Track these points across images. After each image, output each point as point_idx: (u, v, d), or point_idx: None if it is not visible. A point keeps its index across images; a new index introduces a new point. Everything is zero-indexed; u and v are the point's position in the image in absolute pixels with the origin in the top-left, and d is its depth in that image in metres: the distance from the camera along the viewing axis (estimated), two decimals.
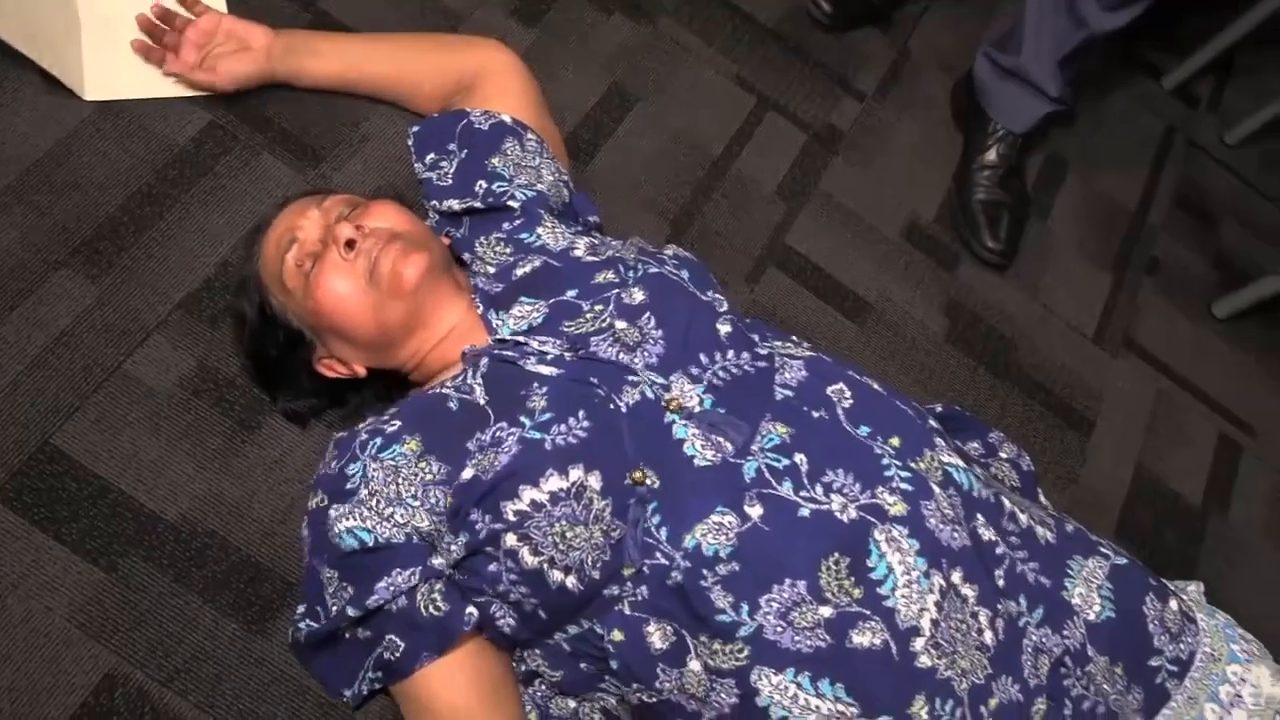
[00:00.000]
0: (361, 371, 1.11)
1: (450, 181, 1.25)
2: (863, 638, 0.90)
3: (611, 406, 0.96)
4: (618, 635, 0.95)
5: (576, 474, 0.92)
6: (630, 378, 0.98)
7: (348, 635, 1.00)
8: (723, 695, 0.92)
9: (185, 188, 1.24)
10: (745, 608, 0.90)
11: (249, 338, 1.12)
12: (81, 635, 1.01)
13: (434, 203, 1.25)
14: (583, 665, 1.01)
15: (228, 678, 1.04)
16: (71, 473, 1.07)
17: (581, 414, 0.95)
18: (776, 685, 0.89)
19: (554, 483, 0.92)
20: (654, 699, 0.95)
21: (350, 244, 1.04)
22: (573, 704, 1.08)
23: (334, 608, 0.99)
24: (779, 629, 0.89)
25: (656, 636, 0.94)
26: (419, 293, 1.05)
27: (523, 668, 1.07)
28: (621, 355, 1.00)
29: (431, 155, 1.27)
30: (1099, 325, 1.68)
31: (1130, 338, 1.70)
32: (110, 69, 1.26)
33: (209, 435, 1.13)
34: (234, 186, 1.26)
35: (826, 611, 0.90)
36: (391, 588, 0.97)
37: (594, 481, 0.92)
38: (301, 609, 1.03)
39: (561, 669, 1.03)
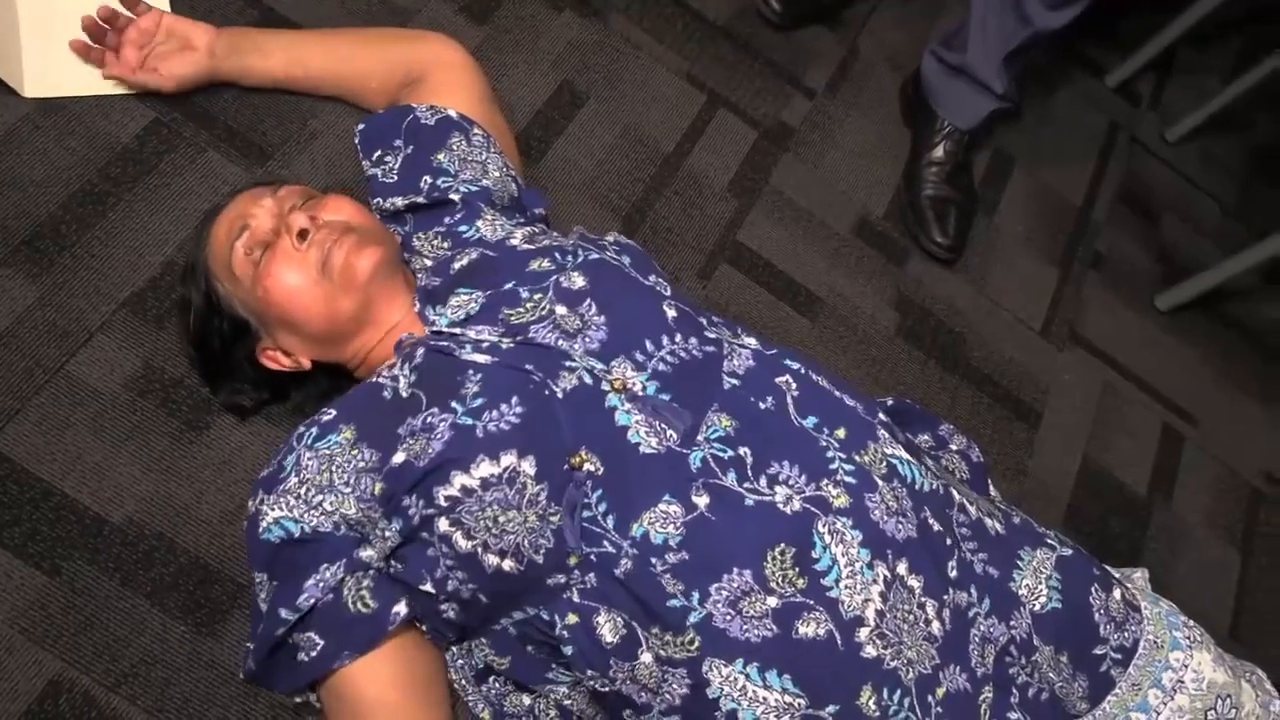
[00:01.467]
0: (306, 364, 1.10)
1: (395, 178, 1.24)
2: (808, 628, 0.91)
3: (546, 392, 0.95)
4: (572, 619, 0.95)
5: (509, 459, 0.92)
6: (567, 363, 0.98)
7: (287, 642, 0.98)
8: (674, 686, 0.92)
9: (129, 186, 1.23)
10: (696, 595, 0.90)
11: (194, 324, 1.09)
12: (25, 641, 0.99)
13: (378, 200, 1.24)
14: (530, 649, 1.01)
15: (177, 681, 1.02)
16: (13, 476, 1.05)
17: (515, 400, 0.94)
18: (726, 677, 0.90)
19: (485, 468, 0.92)
20: (606, 688, 0.96)
21: (303, 234, 1.03)
22: (528, 700, 1.08)
23: (268, 613, 0.97)
24: (728, 617, 0.90)
25: (607, 629, 0.94)
26: (370, 286, 1.04)
27: (475, 663, 1.06)
28: (560, 341, 0.99)
29: (378, 152, 1.27)
30: (1046, 318, 1.71)
31: (1076, 331, 1.73)
32: (50, 66, 1.24)
33: (155, 436, 1.11)
34: (179, 184, 1.25)
35: (773, 601, 0.91)
36: (321, 584, 0.96)
37: (527, 466, 0.92)
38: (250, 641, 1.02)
39: (509, 654, 1.03)
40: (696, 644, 0.90)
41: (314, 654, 0.97)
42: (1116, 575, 1.13)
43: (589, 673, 0.96)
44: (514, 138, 1.38)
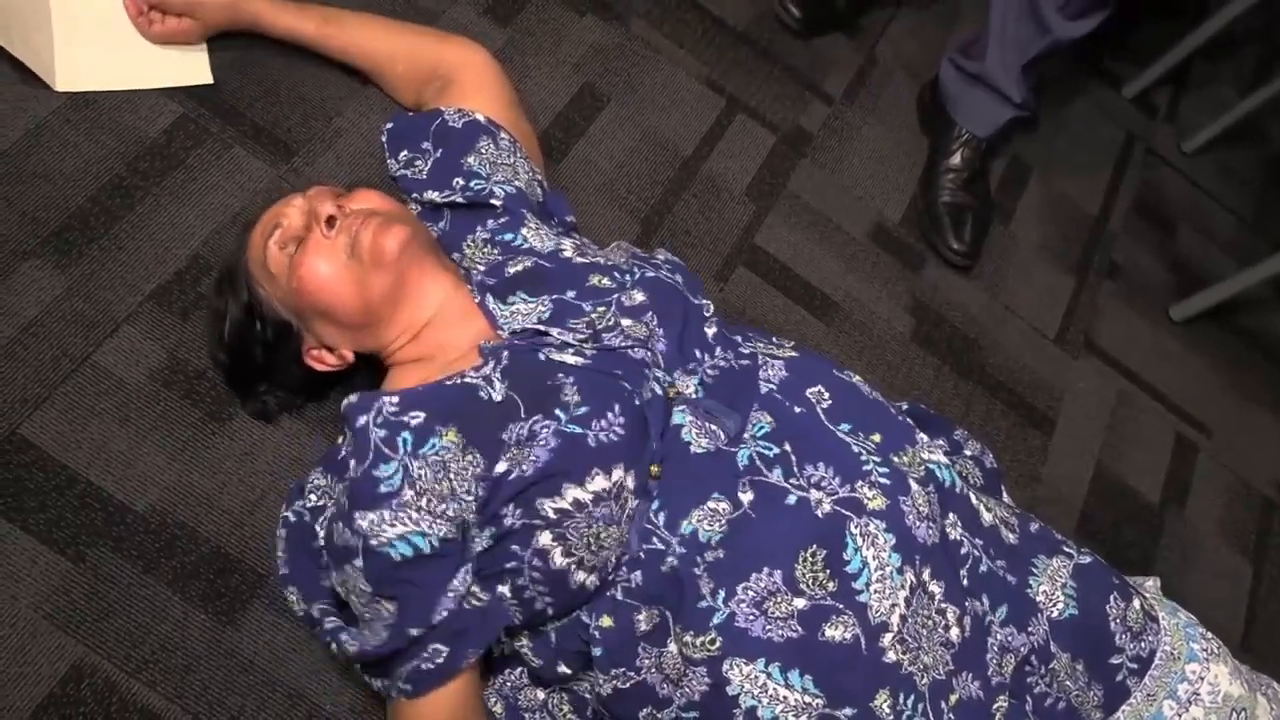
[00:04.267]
0: (350, 357, 1.09)
1: (426, 178, 1.25)
2: (834, 631, 0.91)
3: (637, 402, 0.96)
4: (607, 621, 0.95)
5: (618, 473, 0.92)
6: (646, 371, 0.99)
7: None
8: (694, 683, 0.93)
9: (156, 180, 1.24)
10: (722, 594, 0.91)
11: (234, 332, 1.09)
12: (49, 626, 1.00)
13: (414, 195, 1.24)
14: (560, 666, 1.01)
15: (196, 668, 1.03)
16: (39, 463, 1.07)
17: (617, 409, 0.94)
18: (747, 675, 0.91)
19: (599, 482, 0.92)
20: (628, 683, 0.96)
21: (331, 221, 1.04)
22: (541, 695, 1.08)
23: (393, 630, 0.93)
24: (751, 617, 0.91)
25: (643, 620, 0.95)
26: (400, 262, 1.03)
27: (496, 653, 1.07)
28: (635, 349, 1.00)
29: (405, 153, 1.27)
30: (1060, 327, 1.72)
31: (1091, 339, 1.73)
32: (82, 59, 1.26)
33: (179, 427, 1.13)
34: (206, 179, 1.26)
35: (800, 603, 0.91)
36: (454, 596, 0.93)
37: (630, 481, 0.93)
38: (325, 612, 0.99)
39: (541, 659, 1.03)
40: (718, 644, 0.91)
41: (440, 661, 0.94)
42: (1136, 586, 1.13)
43: (613, 671, 0.96)
44: (538, 140, 1.39)
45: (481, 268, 1.14)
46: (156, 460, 1.10)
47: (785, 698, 0.91)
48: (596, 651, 0.96)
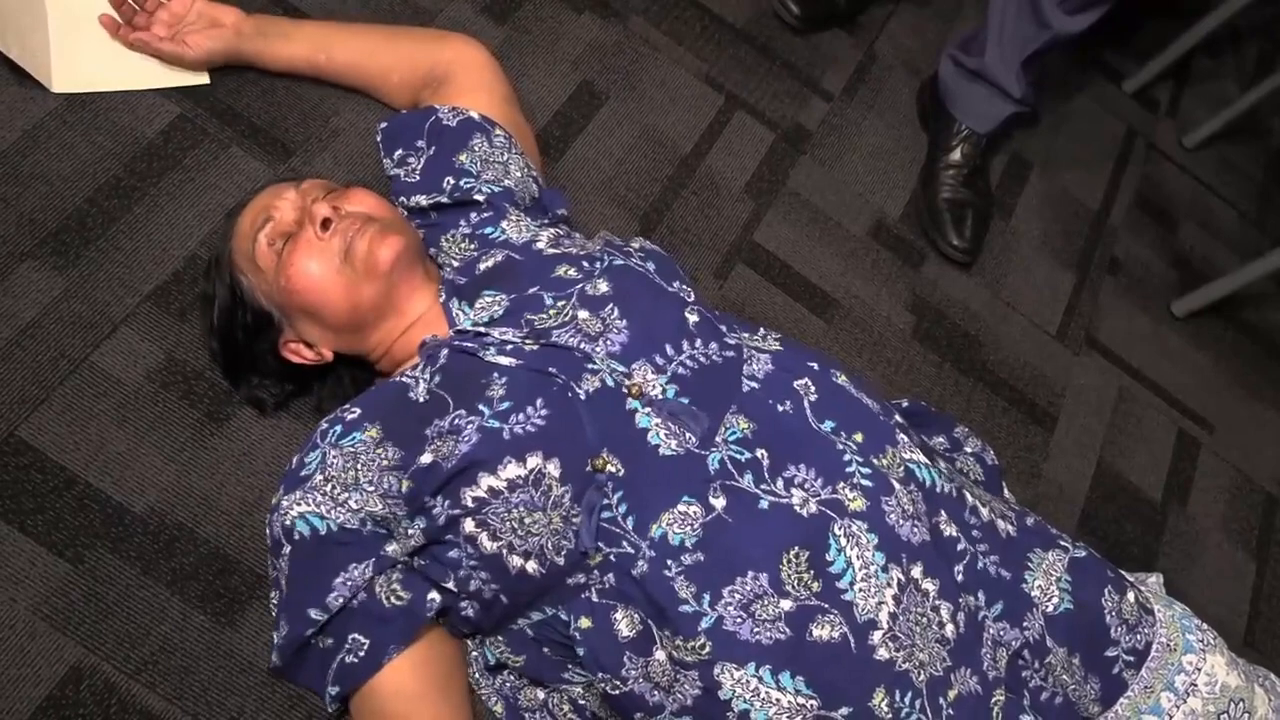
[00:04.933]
0: (329, 355, 1.10)
1: (418, 178, 1.25)
2: (822, 630, 0.91)
3: (570, 395, 0.96)
4: (585, 623, 0.96)
5: (534, 461, 0.93)
6: (589, 365, 0.98)
7: (314, 643, 0.99)
8: (686, 687, 0.93)
9: (153, 181, 1.24)
10: (707, 598, 0.90)
11: (217, 318, 1.10)
12: (47, 627, 1.00)
13: (402, 199, 1.25)
14: (545, 650, 1.02)
15: (196, 669, 1.03)
16: (37, 464, 1.06)
17: (540, 402, 0.95)
18: (739, 679, 0.90)
19: (512, 470, 0.93)
20: (618, 690, 0.96)
21: (326, 223, 1.04)
22: (541, 695, 1.08)
23: (290, 613, 0.97)
24: (739, 620, 0.90)
25: (624, 624, 0.94)
26: (393, 275, 1.05)
27: (488, 657, 1.07)
28: (582, 344, 1.00)
29: (399, 151, 1.27)
30: (1061, 323, 1.71)
31: (1092, 335, 1.73)
32: (78, 61, 1.26)
33: (177, 427, 1.13)
34: (203, 180, 1.26)
35: (787, 604, 0.91)
36: (349, 583, 0.96)
37: (553, 469, 0.93)
38: (275, 636, 1.02)
39: (525, 653, 1.03)
40: (708, 649, 0.90)
41: (362, 654, 0.96)
42: (1130, 579, 1.13)
43: (600, 675, 0.96)
44: (535, 137, 1.39)
45: (455, 263, 1.15)
46: (155, 461, 1.10)
47: (778, 700, 0.90)
48: (581, 651, 0.96)
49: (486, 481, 0.93)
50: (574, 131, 1.51)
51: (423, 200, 1.23)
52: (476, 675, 1.08)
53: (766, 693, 0.90)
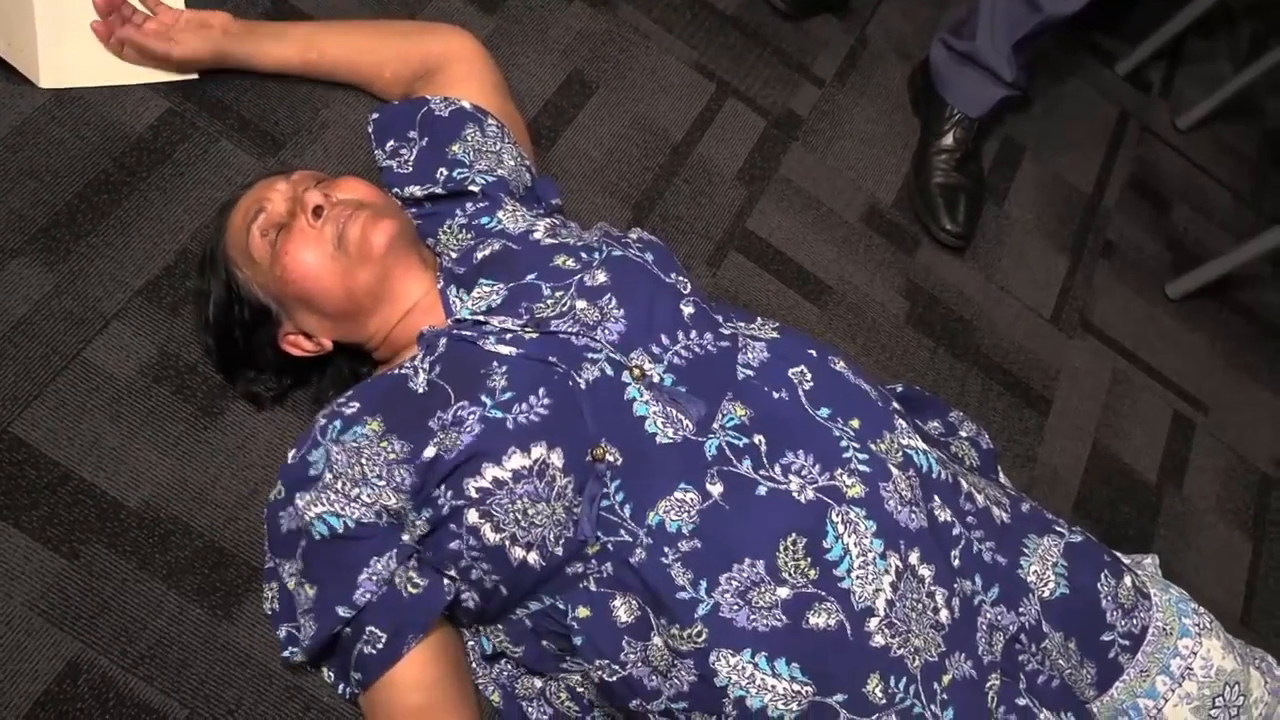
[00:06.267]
0: (328, 345, 1.10)
1: (411, 169, 1.25)
2: (819, 618, 0.91)
3: (570, 384, 0.96)
4: (583, 612, 0.96)
5: (538, 451, 0.93)
6: (589, 354, 0.98)
7: (343, 634, 0.99)
8: (682, 674, 0.93)
9: (143, 175, 1.24)
10: (704, 585, 0.91)
11: (214, 314, 1.10)
12: (44, 623, 1.01)
13: (395, 189, 1.25)
14: (544, 643, 1.02)
15: (193, 663, 1.03)
16: (31, 461, 1.07)
17: (541, 392, 0.95)
18: (734, 666, 0.91)
19: (516, 460, 0.93)
20: (615, 676, 0.96)
21: (318, 211, 1.04)
22: (539, 683, 1.08)
23: (318, 612, 0.97)
24: (736, 607, 0.90)
25: (622, 611, 0.95)
26: (387, 258, 1.05)
27: (485, 646, 1.07)
28: (581, 333, 1.00)
29: (392, 143, 1.27)
30: (1056, 306, 1.71)
31: (1086, 318, 1.73)
32: (66, 56, 1.25)
33: (170, 422, 1.13)
34: (193, 174, 1.26)
35: (784, 592, 0.91)
36: (374, 577, 0.96)
37: (556, 459, 0.93)
38: (284, 629, 1.03)
39: (523, 644, 1.03)
40: (704, 636, 0.91)
41: (380, 646, 0.96)
42: (1127, 562, 1.14)
43: (598, 661, 0.96)
44: (526, 127, 1.39)
45: (453, 253, 1.15)
46: (148, 456, 1.10)
47: (773, 686, 0.90)
48: (578, 640, 0.96)
49: (491, 472, 0.93)
50: (565, 121, 1.51)
51: (417, 191, 1.23)
52: (473, 664, 1.09)
53: (762, 679, 0.90)
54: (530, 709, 1.08)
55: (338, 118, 1.36)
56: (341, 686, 1.02)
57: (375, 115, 1.30)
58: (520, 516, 0.93)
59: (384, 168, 1.27)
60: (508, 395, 0.95)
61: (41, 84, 1.24)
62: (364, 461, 0.97)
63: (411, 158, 1.25)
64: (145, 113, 1.27)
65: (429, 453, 0.95)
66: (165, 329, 1.16)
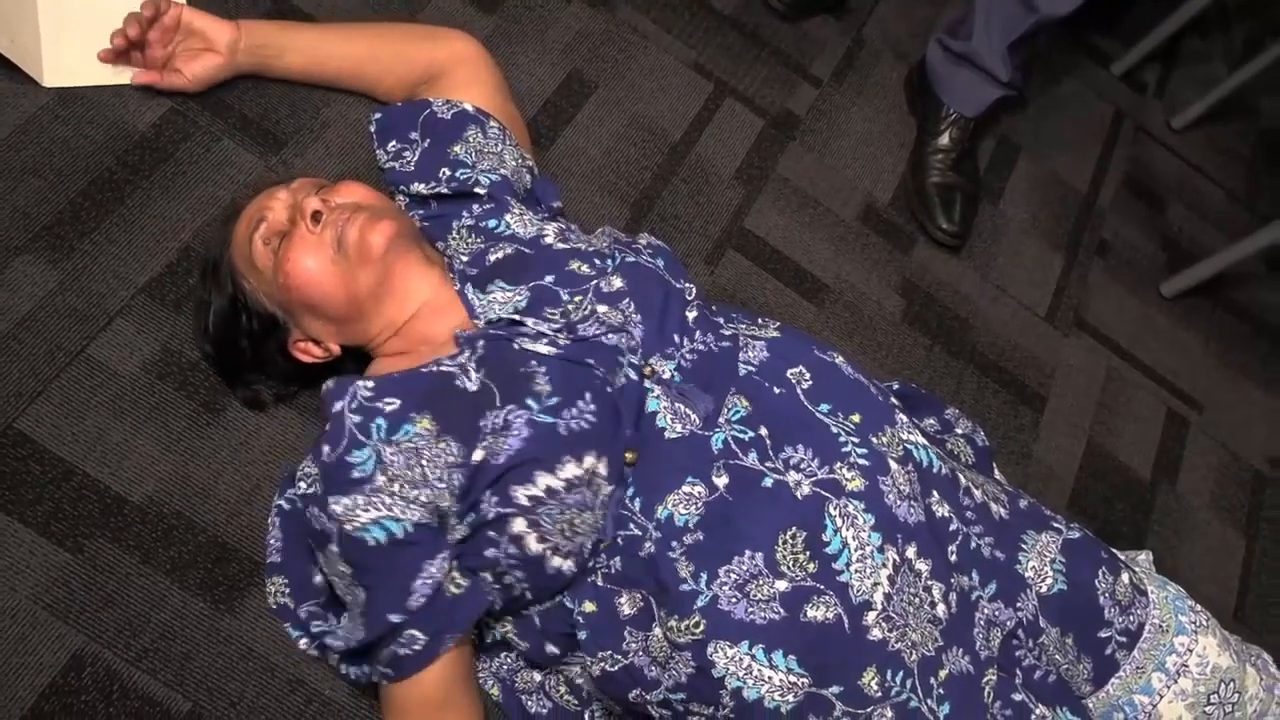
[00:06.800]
0: (336, 350, 1.10)
1: (414, 169, 1.25)
2: (816, 611, 0.92)
3: (609, 390, 0.97)
4: (589, 606, 0.97)
5: (590, 460, 0.93)
6: (620, 359, 0.99)
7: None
8: (681, 666, 0.94)
9: (146, 174, 1.25)
10: (704, 577, 0.92)
11: (218, 325, 1.10)
12: (49, 616, 1.02)
13: (401, 188, 1.26)
14: (548, 646, 1.03)
15: (196, 655, 1.05)
16: (36, 456, 1.08)
17: (588, 397, 0.95)
18: (732, 657, 0.92)
19: (570, 469, 0.93)
20: (617, 665, 0.97)
21: (317, 216, 1.05)
22: (538, 677, 1.09)
23: (369, 616, 0.95)
24: (734, 599, 0.91)
25: (626, 605, 0.96)
26: (387, 258, 1.04)
27: (486, 638, 1.08)
28: (610, 336, 1.01)
29: (394, 144, 1.28)
30: (1051, 304, 1.73)
31: (1081, 317, 1.74)
32: (69, 55, 1.26)
33: (174, 418, 1.14)
34: (195, 172, 1.27)
35: (782, 585, 0.92)
36: (429, 581, 0.94)
37: (603, 468, 0.94)
38: (296, 617, 1.02)
39: (528, 640, 1.04)
40: (702, 627, 0.92)
41: (417, 648, 0.95)
42: (1123, 559, 1.14)
43: (600, 654, 0.97)
44: (526, 128, 1.40)
45: (465, 257, 1.15)
46: (152, 451, 1.11)
47: (770, 678, 0.91)
48: (582, 635, 0.97)
49: (544, 480, 0.92)
50: (563, 120, 1.52)
51: (421, 188, 1.23)
52: None
53: (759, 671, 0.91)
54: (529, 702, 1.09)
55: (339, 117, 1.37)
56: (354, 674, 1.00)
57: (377, 116, 1.31)
58: (566, 526, 0.94)
59: (386, 168, 1.28)
60: (555, 400, 0.94)
61: (45, 83, 1.25)
62: (424, 463, 0.94)
63: (414, 159, 1.26)
64: (148, 112, 1.28)
65: (477, 456, 0.93)
66: (168, 326, 1.17)
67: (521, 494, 0.92)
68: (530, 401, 0.94)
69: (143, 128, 1.27)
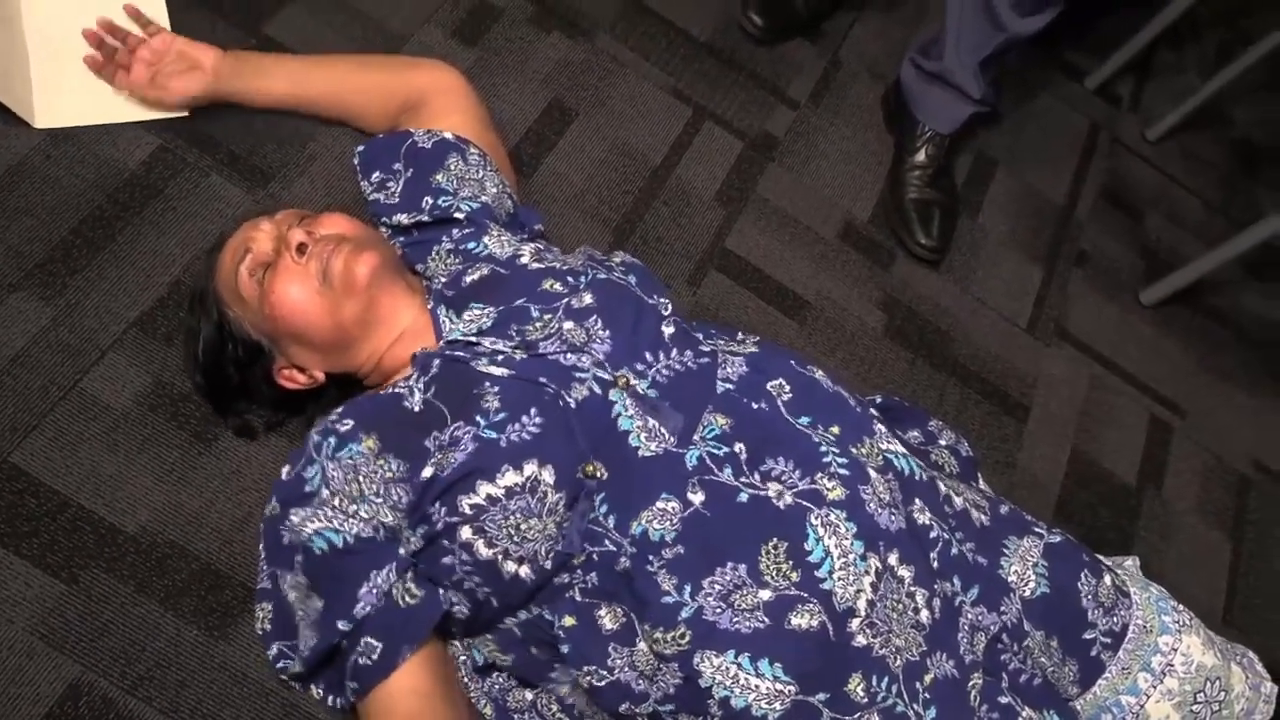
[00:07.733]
0: (321, 377, 1.13)
1: (398, 200, 1.28)
2: (801, 619, 0.93)
3: (561, 404, 0.99)
4: (569, 621, 0.98)
5: (530, 469, 0.95)
6: (577, 374, 1.01)
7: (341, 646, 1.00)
8: (668, 678, 0.95)
9: (136, 210, 1.27)
10: (688, 589, 0.93)
11: (206, 353, 1.12)
12: (44, 646, 1.03)
13: (384, 219, 1.28)
14: (533, 650, 1.04)
15: (191, 683, 1.06)
16: (30, 489, 1.09)
17: (533, 411, 0.98)
18: (718, 667, 0.93)
19: (509, 478, 0.95)
20: (603, 681, 0.98)
21: (302, 248, 1.07)
22: (529, 695, 1.10)
23: (320, 625, 0.99)
24: (718, 610, 0.93)
25: (607, 619, 0.97)
26: (371, 289, 1.08)
27: (476, 659, 1.09)
28: (569, 354, 1.03)
29: (378, 175, 1.31)
30: (1031, 316, 1.75)
31: (1062, 327, 1.76)
32: (60, 96, 1.29)
33: (166, 449, 1.15)
34: (184, 208, 1.29)
35: (766, 594, 0.93)
36: (374, 590, 0.98)
37: (547, 476, 0.95)
38: (275, 647, 1.04)
39: (513, 652, 1.06)
40: (687, 638, 0.93)
41: (375, 657, 0.97)
42: (1107, 563, 1.16)
43: (585, 668, 0.98)
44: (509, 156, 1.42)
45: (443, 278, 1.18)
46: (145, 482, 1.13)
47: (756, 686, 0.92)
48: (565, 649, 0.98)
49: (485, 489, 0.95)
50: (546, 148, 1.54)
51: (404, 219, 1.26)
52: (464, 678, 1.11)
53: (746, 679, 0.92)
54: None
55: (324, 150, 1.39)
56: (332, 699, 1.04)
57: (360, 149, 1.33)
58: (513, 532, 0.95)
59: (371, 200, 1.30)
60: (501, 416, 0.97)
61: (36, 124, 1.28)
62: (361, 479, 0.99)
63: (398, 189, 1.28)
64: (137, 150, 1.31)
65: (426, 472, 0.96)
66: (160, 359, 1.19)
67: (465, 503, 0.95)
68: (478, 418, 0.97)
69: (133, 165, 1.30)
